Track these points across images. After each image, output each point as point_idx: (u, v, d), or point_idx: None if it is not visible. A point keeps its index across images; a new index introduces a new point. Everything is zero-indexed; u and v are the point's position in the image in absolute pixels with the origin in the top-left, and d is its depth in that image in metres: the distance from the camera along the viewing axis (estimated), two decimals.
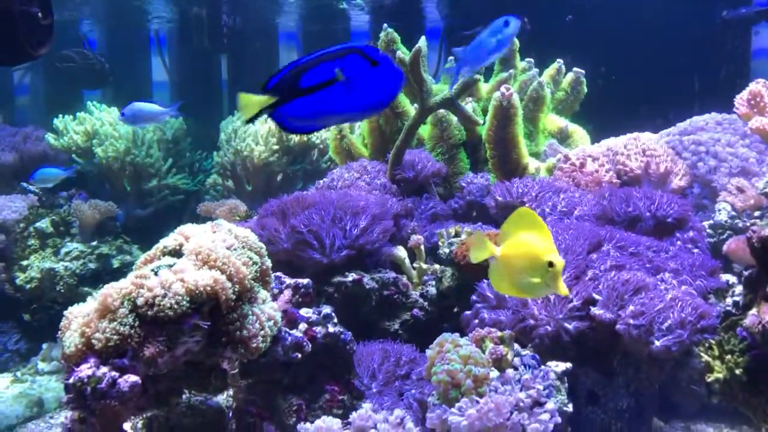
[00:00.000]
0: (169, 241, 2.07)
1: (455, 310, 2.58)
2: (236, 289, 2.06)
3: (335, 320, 2.49)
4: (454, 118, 3.42)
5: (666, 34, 4.78)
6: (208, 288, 1.88)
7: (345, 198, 2.71)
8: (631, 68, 4.86)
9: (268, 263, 2.24)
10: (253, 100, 1.70)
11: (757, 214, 2.93)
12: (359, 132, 3.77)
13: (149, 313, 1.78)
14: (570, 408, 2.00)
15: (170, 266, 1.91)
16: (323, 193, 2.81)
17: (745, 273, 2.03)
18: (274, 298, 2.44)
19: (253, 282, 2.15)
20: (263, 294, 2.18)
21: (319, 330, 2.45)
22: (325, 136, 4.00)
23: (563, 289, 1.59)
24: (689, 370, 2.53)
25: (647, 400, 2.17)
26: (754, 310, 1.86)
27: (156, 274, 1.86)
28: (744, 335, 1.92)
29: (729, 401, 1.97)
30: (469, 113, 3.10)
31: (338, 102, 1.66)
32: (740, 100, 1.98)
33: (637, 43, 4.82)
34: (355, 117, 2.09)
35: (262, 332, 2.12)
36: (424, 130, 3.57)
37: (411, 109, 3.40)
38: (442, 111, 3.36)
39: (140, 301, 1.77)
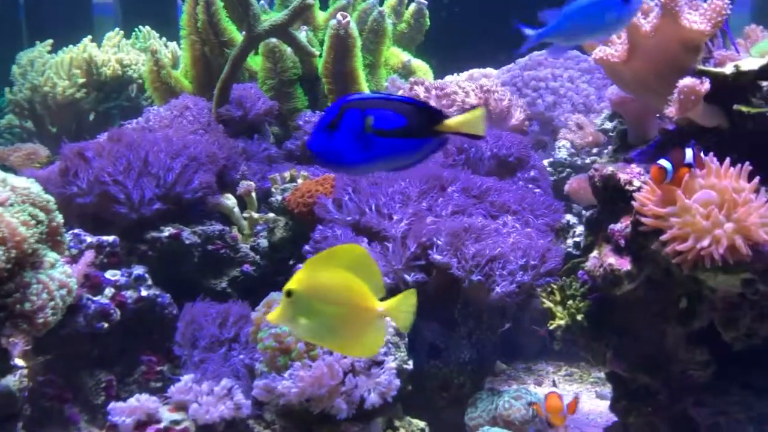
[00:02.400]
0: None
1: (291, 262, 2.35)
2: (12, 255, 1.70)
3: (149, 282, 2.18)
4: (289, 50, 3.11)
5: None
6: None
7: (160, 140, 2.35)
8: (475, 1, 4.73)
9: (59, 219, 1.88)
10: None
11: (595, 151, 2.92)
12: (183, 64, 3.34)
13: None
14: (410, 365, 1.85)
15: None
16: (135, 134, 2.42)
17: (586, 213, 1.95)
18: (73, 260, 2.08)
19: (37, 245, 1.79)
20: (52, 257, 1.82)
21: (129, 294, 2.14)
22: (144, 69, 3.53)
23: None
24: (531, 311, 2.48)
25: (489, 349, 2.07)
26: (595, 253, 1.77)
27: None
28: (585, 278, 1.84)
29: (570, 347, 1.91)
30: (303, 43, 2.80)
31: None
32: None
33: None
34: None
35: (52, 303, 1.78)
36: (256, 63, 3.23)
37: (239, 37, 3.03)
38: (273, 40, 3.03)
39: None
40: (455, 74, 3.65)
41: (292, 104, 3.15)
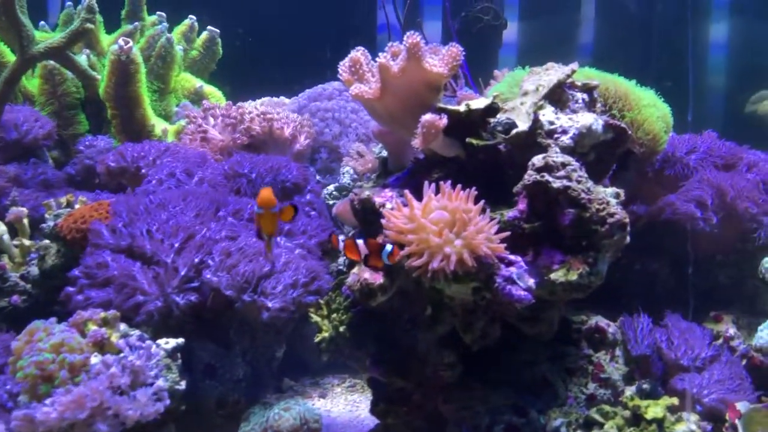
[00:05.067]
0: None
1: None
2: None
3: None
4: (70, 73, 3.03)
5: (302, 1, 4.89)
6: None
7: None
8: (269, 32, 4.87)
9: None
10: None
11: (374, 176, 3.14)
12: None
13: None
14: (183, 386, 1.89)
15: None
16: None
17: (349, 233, 2.13)
18: None
19: None
20: None
21: None
22: None
23: None
24: (314, 327, 2.62)
25: (264, 365, 2.17)
26: (355, 269, 1.95)
27: None
28: (348, 293, 2.01)
29: (338, 357, 2.06)
30: (83, 66, 2.75)
31: None
32: (343, 66, 2.02)
33: (274, 7, 4.85)
34: None
35: None
36: (34, 85, 3.10)
37: (12, 57, 2.91)
38: (52, 63, 2.94)
39: None
40: (249, 102, 3.74)
41: (74, 128, 3.07)
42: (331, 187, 3.17)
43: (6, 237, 2.44)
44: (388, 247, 1.69)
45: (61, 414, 1.61)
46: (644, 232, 2.48)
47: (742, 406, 2.01)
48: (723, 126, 4.62)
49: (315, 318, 2.02)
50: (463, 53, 1.97)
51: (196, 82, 3.61)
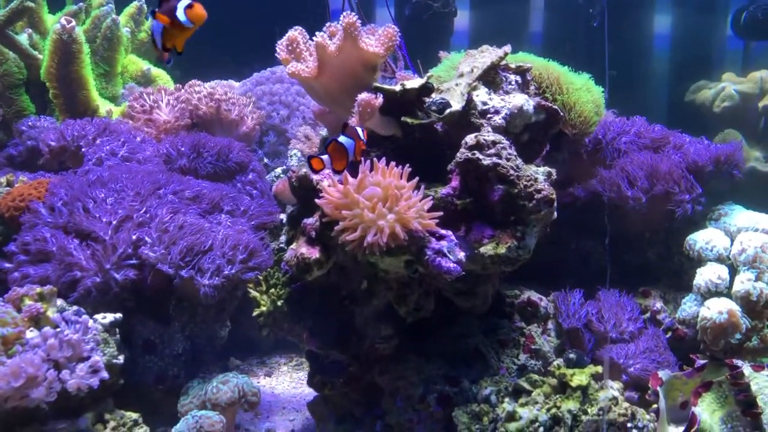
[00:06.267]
0: None
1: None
2: None
3: None
4: (12, 53, 2.99)
5: None
6: None
7: None
8: (219, 15, 4.81)
9: None
10: None
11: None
12: None
13: None
14: (121, 359, 1.92)
15: None
16: None
17: (288, 211, 2.17)
18: None
19: None
20: None
21: None
22: None
23: None
24: None
25: (206, 342, 2.19)
26: (293, 245, 1.99)
27: None
28: (286, 269, 2.05)
29: (276, 332, 2.10)
30: (23, 45, 2.73)
31: None
32: (281, 45, 2.05)
33: None
34: None
35: None
36: None
37: None
38: None
39: None
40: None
41: (17, 109, 3.03)
42: (279, 170, 3.20)
43: None
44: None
45: None
46: (580, 213, 2.58)
47: (663, 374, 2.11)
48: (666, 114, 4.77)
49: (253, 293, 2.05)
50: (399, 34, 2.02)
51: (144, 65, 3.59)
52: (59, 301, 1.91)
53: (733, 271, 2.27)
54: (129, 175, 2.15)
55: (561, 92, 2.32)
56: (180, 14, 1.55)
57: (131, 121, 2.70)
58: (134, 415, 1.94)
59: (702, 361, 2.10)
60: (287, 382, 2.72)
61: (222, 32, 4.92)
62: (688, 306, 2.30)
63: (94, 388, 1.75)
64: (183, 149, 2.40)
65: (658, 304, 2.39)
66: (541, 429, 1.81)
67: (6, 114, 2.99)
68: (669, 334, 2.33)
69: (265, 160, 3.35)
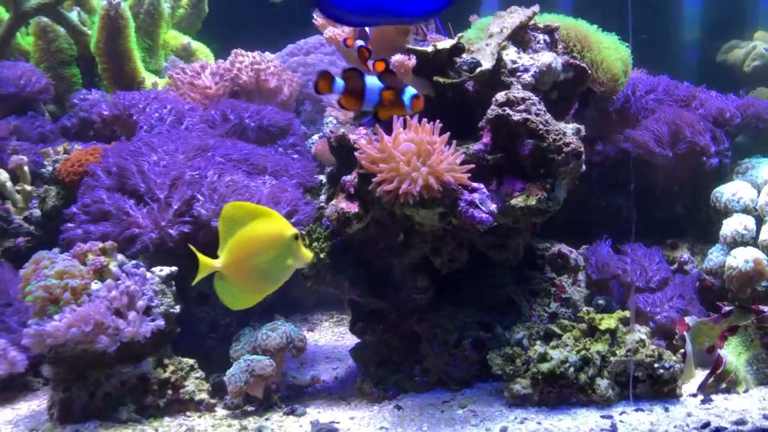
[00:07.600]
0: None
1: None
2: None
3: None
4: (63, 30, 3.15)
5: None
6: None
7: None
8: None
9: None
10: None
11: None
12: None
13: None
14: (177, 309, 2.07)
15: None
16: None
17: (328, 170, 2.29)
18: None
19: None
20: None
21: None
22: None
23: (307, 253, 1.65)
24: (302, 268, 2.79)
25: None
26: (333, 201, 2.11)
27: None
28: (327, 224, 2.17)
29: (319, 284, 2.23)
30: (74, 22, 2.88)
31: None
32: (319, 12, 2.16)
33: None
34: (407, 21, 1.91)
35: None
36: (29, 43, 3.23)
37: (5, 15, 3.03)
38: (46, 20, 3.06)
39: None
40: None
41: (68, 83, 3.20)
42: (315, 137, 3.32)
43: (9, 184, 2.60)
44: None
45: (68, 328, 1.78)
46: (609, 170, 2.65)
47: (690, 320, 2.19)
48: (697, 75, 4.76)
49: None
50: None
51: (184, 39, 3.73)
52: (119, 256, 2.07)
53: (760, 221, 2.33)
54: (179, 139, 2.29)
55: (590, 50, 2.38)
56: (406, 99, 1.75)
57: (176, 90, 2.84)
58: (190, 361, 2.09)
59: (728, 307, 2.18)
60: (329, 335, 2.87)
61: (258, 6, 5.05)
62: (714, 256, 2.37)
63: (148, 336, 1.91)
64: (228, 114, 2.53)
65: (686, 255, 2.47)
66: (572, 369, 1.91)
67: (58, 88, 3.16)
68: (696, 284, 2.40)
69: (303, 127, 3.47)
